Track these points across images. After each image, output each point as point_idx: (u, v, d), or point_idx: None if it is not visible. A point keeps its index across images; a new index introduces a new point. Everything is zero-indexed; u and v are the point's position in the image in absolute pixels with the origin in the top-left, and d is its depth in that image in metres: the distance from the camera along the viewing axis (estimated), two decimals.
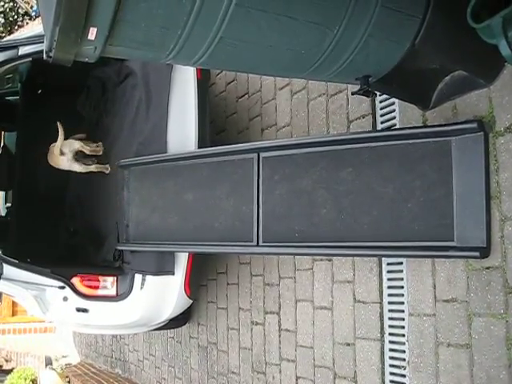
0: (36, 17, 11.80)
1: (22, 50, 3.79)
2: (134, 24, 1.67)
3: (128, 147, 3.98)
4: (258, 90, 4.08)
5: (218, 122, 4.49)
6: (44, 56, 1.76)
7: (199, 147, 3.60)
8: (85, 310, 3.90)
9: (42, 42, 1.78)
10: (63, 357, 9.60)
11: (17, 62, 3.90)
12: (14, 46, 3.81)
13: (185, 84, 3.68)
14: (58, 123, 4.22)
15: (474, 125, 2.27)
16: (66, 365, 9.11)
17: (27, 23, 12.68)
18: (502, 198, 2.27)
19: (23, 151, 4.93)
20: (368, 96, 2.33)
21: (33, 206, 4.80)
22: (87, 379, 7.27)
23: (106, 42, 1.69)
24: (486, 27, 1.87)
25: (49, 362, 9.47)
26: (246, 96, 4.25)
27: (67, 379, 7.83)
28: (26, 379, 9.10)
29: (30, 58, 3.84)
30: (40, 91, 4.99)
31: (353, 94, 2.31)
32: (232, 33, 1.80)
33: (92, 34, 1.62)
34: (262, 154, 2.97)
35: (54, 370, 8.85)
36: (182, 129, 3.64)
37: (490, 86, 2.32)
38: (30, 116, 4.86)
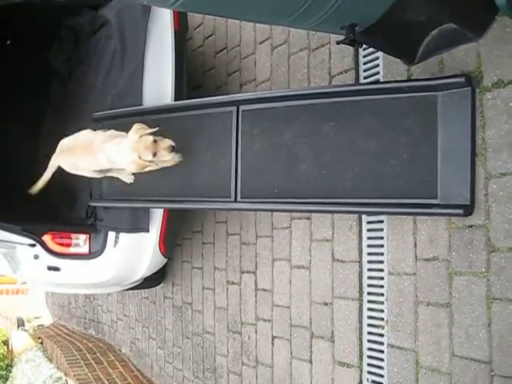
0: None
1: None
2: None
3: (102, 100, 3.83)
4: (237, 44, 3.96)
5: (195, 77, 4.36)
6: None
7: (175, 100, 3.49)
8: (56, 269, 3.81)
9: None
10: (36, 318, 9.58)
11: None
12: None
13: (161, 35, 3.55)
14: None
15: (462, 79, 2.21)
16: (38, 326, 9.09)
17: None
18: (487, 155, 2.22)
19: None
20: (353, 46, 2.24)
21: (2, 164, 4.64)
22: (60, 340, 7.24)
23: None
24: None
25: (21, 324, 9.45)
26: (225, 51, 4.13)
27: (39, 340, 7.80)
28: None
29: None
30: (9, 42, 4.77)
31: (338, 43, 2.21)
32: None
33: None
34: (242, 107, 2.89)
35: (26, 331, 8.82)
36: (159, 81, 3.52)
37: (478, 39, 2.25)
38: None
